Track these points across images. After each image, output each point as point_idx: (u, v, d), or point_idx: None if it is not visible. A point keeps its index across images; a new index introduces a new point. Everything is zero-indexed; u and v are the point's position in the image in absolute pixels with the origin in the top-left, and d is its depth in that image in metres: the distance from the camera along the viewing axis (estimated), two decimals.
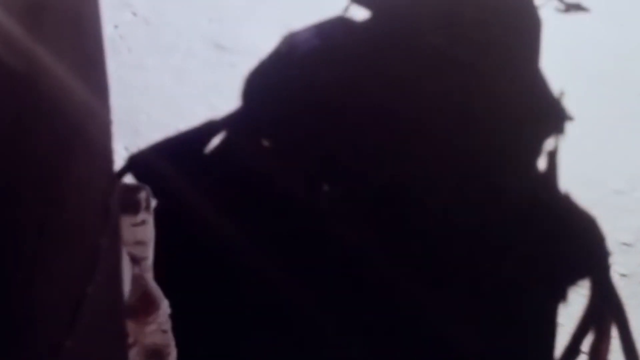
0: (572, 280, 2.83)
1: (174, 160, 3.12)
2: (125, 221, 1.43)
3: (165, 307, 1.58)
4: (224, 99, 3.50)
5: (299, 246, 2.83)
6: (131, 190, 1.46)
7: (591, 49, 4.06)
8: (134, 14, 4.01)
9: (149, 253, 1.54)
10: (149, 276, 1.56)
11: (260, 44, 3.86)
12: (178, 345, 1.72)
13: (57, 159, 0.82)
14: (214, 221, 2.85)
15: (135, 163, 3.11)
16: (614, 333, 2.67)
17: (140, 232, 1.48)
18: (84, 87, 0.86)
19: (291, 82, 3.68)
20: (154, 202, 1.54)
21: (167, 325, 1.63)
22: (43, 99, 0.76)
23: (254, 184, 3.07)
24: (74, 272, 0.93)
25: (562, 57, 3.97)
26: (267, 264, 2.72)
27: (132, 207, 1.44)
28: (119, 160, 3.08)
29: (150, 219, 1.50)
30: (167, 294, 1.62)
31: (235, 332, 2.52)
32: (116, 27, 3.88)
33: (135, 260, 1.46)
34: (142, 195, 1.47)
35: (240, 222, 2.88)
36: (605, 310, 2.75)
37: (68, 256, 0.90)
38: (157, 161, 3.13)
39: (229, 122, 3.40)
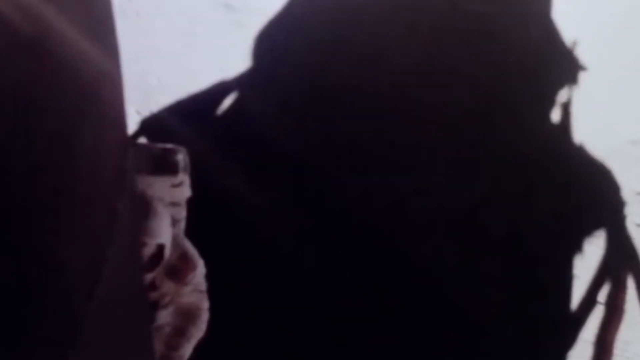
0: (588, 231, 2.83)
1: (186, 122, 3.12)
2: (165, 182, 1.46)
3: (201, 267, 1.61)
4: (234, 59, 3.48)
5: (315, 208, 2.83)
6: (169, 152, 1.49)
7: None
8: None
9: (183, 214, 1.57)
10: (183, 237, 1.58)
11: (270, 3, 3.81)
12: None
13: (69, 122, 0.81)
14: (226, 182, 2.86)
15: (148, 126, 3.11)
16: (630, 283, 2.68)
17: (178, 193, 1.51)
18: (95, 49, 0.85)
19: (301, 40, 3.65)
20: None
21: (203, 285, 1.66)
22: (53, 61, 0.76)
23: (266, 144, 3.06)
24: (92, 239, 0.93)
25: (574, 4, 3.90)
26: (281, 225, 2.73)
27: (171, 168, 1.48)
28: (132, 123, 3.08)
29: (187, 180, 1.54)
30: None
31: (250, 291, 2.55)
32: None
33: (172, 222, 1.49)
34: (180, 156, 1.51)
35: (253, 183, 2.88)
36: (621, 260, 2.75)
37: (85, 221, 0.90)
38: (169, 124, 3.13)
39: (240, 83, 3.38)
